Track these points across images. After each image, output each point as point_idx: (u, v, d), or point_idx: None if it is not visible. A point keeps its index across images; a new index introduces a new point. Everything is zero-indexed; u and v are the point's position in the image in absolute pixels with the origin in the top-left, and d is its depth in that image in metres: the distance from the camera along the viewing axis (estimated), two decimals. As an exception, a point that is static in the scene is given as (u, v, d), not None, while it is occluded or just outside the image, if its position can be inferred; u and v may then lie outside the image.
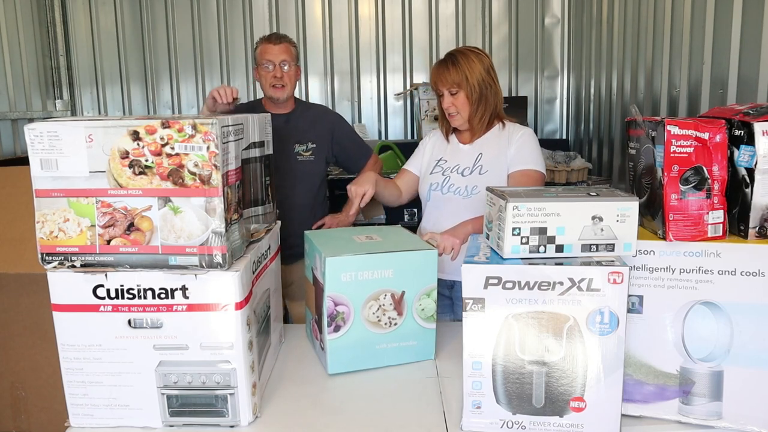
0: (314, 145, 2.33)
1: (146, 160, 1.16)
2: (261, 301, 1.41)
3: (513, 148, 1.92)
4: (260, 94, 2.44)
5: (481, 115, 1.93)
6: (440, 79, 1.92)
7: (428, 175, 2.03)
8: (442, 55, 1.99)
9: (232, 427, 1.26)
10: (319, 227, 2.37)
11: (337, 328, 1.45)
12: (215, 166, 1.16)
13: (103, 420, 1.26)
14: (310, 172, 2.36)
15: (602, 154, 3.47)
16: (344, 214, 2.33)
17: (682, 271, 1.19)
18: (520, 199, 1.16)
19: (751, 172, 1.17)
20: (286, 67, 2.26)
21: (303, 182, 2.34)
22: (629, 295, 1.14)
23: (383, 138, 4.10)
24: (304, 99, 4.03)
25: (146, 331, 1.21)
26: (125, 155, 1.16)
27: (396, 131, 4.15)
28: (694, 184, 1.18)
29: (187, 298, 1.20)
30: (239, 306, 1.21)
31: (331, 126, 2.40)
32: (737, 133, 1.19)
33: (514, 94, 4.07)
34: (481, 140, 1.98)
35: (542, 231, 1.16)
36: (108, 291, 1.20)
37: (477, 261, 1.18)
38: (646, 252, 1.20)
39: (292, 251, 2.24)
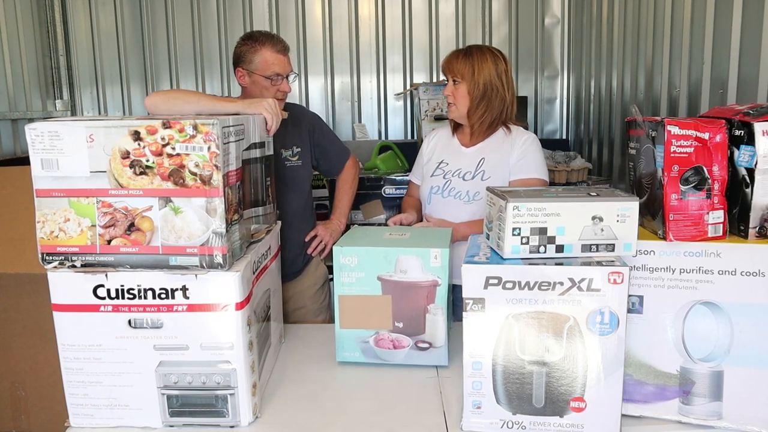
0: (299, 149, 2.14)
1: (147, 161, 1.16)
2: (261, 301, 1.41)
3: (515, 154, 1.90)
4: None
5: (480, 115, 1.91)
6: (448, 65, 1.92)
7: (429, 177, 2.02)
8: (442, 55, 1.98)
9: (232, 427, 1.26)
10: (311, 239, 2.20)
11: None
12: (216, 166, 1.16)
13: (103, 420, 1.26)
14: (301, 177, 2.16)
15: (602, 154, 3.47)
16: (335, 222, 2.25)
17: (682, 271, 1.19)
18: (521, 200, 1.16)
19: (751, 172, 1.17)
20: (290, 77, 2.05)
21: (295, 189, 2.14)
22: (629, 295, 1.15)
23: (383, 138, 4.10)
24: (304, 99, 4.05)
25: (146, 331, 1.21)
26: (126, 155, 1.16)
27: (396, 131, 4.15)
28: (694, 184, 1.18)
29: (188, 298, 1.20)
30: (239, 306, 1.21)
31: (310, 127, 2.20)
32: (737, 133, 1.19)
33: (514, 94, 4.07)
34: (483, 144, 1.96)
35: (542, 231, 1.16)
36: (108, 291, 1.20)
37: (477, 261, 1.18)
38: (646, 252, 1.20)
39: (293, 267, 2.13)
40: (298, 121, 2.16)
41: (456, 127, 2.03)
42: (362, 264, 1.46)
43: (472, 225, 1.86)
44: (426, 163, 2.07)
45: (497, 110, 1.92)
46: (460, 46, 2.00)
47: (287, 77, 2.02)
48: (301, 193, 2.17)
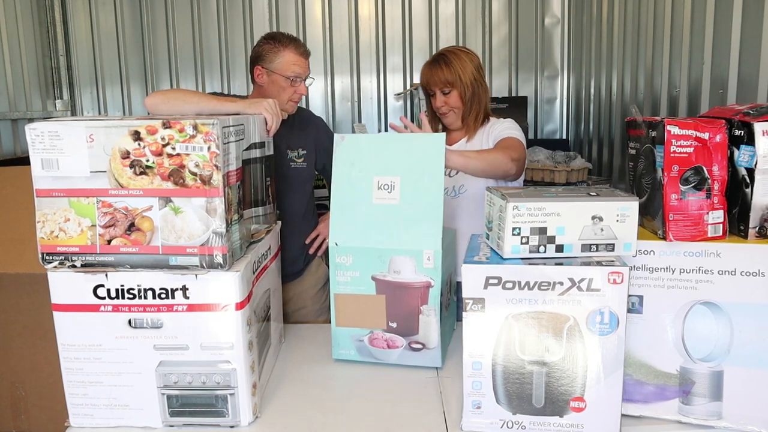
0: (305, 152, 2.17)
1: (147, 160, 1.16)
2: (261, 301, 1.41)
3: (492, 138, 1.94)
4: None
5: (476, 114, 1.96)
6: (432, 79, 1.94)
7: None
8: (441, 55, 1.98)
9: (232, 427, 1.26)
10: (312, 240, 2.21)
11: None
12: (216, 166, 1.16)
13: (103, 420, 1.26)
14: (304, 179, 2.18)
15: (602, 154, 3.47)
16: None
17: (682, 271, 1.19)
18: (520, 199, 1.16)
19: (751, 172, 1.17)
20: (307, 81, 2.07)
21: (298, 191, 2.16)
22: (629, 295, 1.14)
23: (383, 138, 4.09)
24: (304, 100, 4.04)
25: (146, 331, 1.21)
26: (126, 155, 1.16)
27: (396, 131, 4.15)
28: (694, 184, 1.18)
29: (188, 298, 1.20)
30: (239, 306, 1.21)
31: (316, 132, 2.22)
32: (737, 133, 1.19)
33: (514, 94, 4.07)
34: (465, 139, 1.99)
35: (542, 231, 1.16)
36: (108, 291, 1.20)
37: (477, 261, 1.18)
38: (646, 252, 1.20)
39: (294, 267, 2.14)
40: (305, 125, 2.19)
41: (444, 129, 2.05)
42: (357, 263, 1.47)
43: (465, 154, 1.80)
44: None
45: (484, 102, 1.97)
46: (449, 46, 2.03)
47: (305, 80, 2.05)
48: (302, 194, 2.19)
